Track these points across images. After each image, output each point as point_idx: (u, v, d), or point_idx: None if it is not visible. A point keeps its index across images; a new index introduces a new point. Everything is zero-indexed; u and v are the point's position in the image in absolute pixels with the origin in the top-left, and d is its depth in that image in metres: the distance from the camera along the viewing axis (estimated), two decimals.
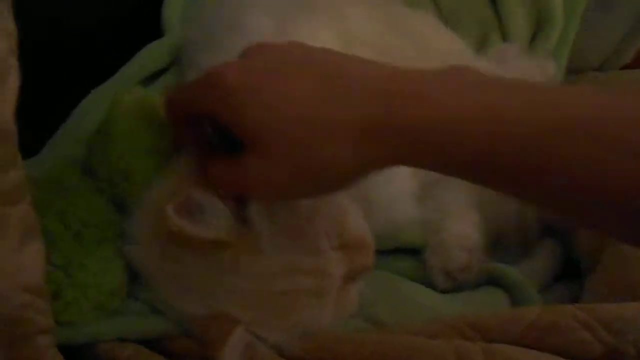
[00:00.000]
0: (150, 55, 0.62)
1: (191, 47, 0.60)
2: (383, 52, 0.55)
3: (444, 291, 0.55)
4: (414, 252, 0.57)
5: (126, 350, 0.47)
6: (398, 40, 0.60)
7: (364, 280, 0.48)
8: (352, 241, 0.45)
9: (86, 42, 0.60)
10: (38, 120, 0.55)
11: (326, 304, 0.45)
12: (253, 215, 0.42)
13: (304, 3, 0.59)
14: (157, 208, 0.43)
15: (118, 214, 0.49)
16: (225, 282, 0.43)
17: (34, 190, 0.44)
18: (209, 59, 0.53)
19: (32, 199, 0.40)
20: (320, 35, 0.55)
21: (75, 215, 0.47)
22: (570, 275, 0.60)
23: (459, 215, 0.58)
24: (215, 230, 0.41)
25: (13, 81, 0.36)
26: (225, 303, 0.44)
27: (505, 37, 0.73)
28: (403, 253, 0.57)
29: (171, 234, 0.41)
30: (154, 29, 0.65)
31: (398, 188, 0.55)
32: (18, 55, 0.37)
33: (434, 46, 0.64)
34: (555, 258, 0.60)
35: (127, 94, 0.49)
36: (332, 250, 0.44)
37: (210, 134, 0.42)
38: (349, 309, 0.47)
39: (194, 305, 0.45)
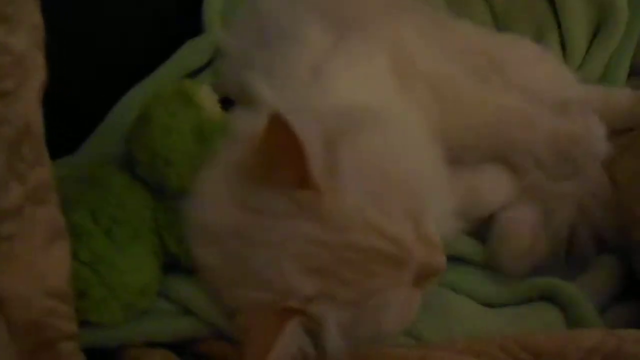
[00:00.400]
0: (190, 53, 0.61)
1: (243, 47, 0.58)
2: (438, 82, 0.54)
3: (498, 298, 0.52)
4: (461, 262, 0.54)
5: (155, 356, 0.45)
6: (455, 67, 0.57)
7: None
8: (425, 236, 0.43)
9: (124, 40, 0.60)
10: (76, 119, 0.55)
11: (400, 284, 0.42)
12: (342, 159, 0.42)
13: (357, 18, 0.57)
14: (246, 140, 0.44)
15: (158, 202, 0.48)
16: (299, 231, 0.41)
17: (67, 186, 0.43)
18: (264, 61, 0.53)
19: (62, 197, 0.39)
20: (375, 62, 0.53)
21: (106, 212, 0.46)
22: (631, 296, 0.54)
23: (515, 207, 0.56)
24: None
25: (38, 77, 0.34)
26: (293, 266, 0.41)
27: (562, 35, 0.67)
28: (451, 262, 0.53)
29: (259, 161, 0.41)
30: (191, 27, 0.63)
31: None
32: (46, 51, 0.36)
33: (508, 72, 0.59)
34: (613, 276, 0.54)
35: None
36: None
37: None
38: (410, 317, 0.45)
39: (251, 287, 0.42)
